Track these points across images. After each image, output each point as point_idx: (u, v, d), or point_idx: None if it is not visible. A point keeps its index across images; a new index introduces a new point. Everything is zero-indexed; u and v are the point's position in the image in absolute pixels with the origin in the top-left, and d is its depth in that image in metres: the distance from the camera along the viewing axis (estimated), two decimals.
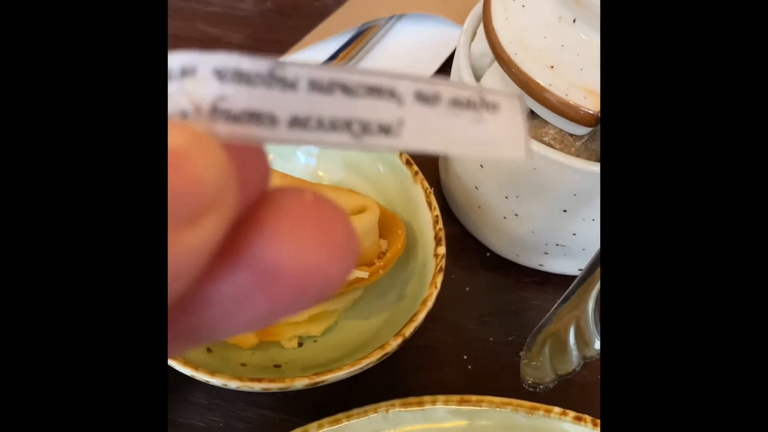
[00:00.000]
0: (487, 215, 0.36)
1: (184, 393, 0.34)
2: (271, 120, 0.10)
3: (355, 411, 0.30)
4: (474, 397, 0.31)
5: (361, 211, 0.33)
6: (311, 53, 0.48)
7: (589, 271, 0.29)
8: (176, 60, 0.10)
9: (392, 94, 0.11)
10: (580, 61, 0.28)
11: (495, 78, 0.32)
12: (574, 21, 0.28)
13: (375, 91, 0.11)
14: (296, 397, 0.34)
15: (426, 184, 0.35)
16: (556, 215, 0.33)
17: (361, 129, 0.11)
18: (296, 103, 0.10)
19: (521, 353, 0.32)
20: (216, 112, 0.10)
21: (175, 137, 0.09)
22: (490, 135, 0.12)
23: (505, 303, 0.38)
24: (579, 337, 0.30)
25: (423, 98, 0.11)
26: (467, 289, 0.38)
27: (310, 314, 0.33)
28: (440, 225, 0.33)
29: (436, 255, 0.32)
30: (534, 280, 0.39)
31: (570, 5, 0.28)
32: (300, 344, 0.34)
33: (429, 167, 0.39)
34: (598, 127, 0.29)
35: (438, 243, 0.33)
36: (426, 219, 0.34)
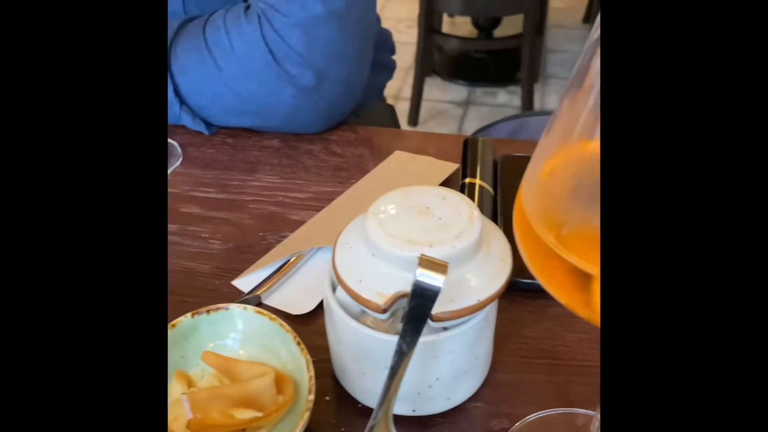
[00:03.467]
0: (352, 375, 0.56)
1: None
2: None
3: None
4: None
5: (262, 375, 0.53)
6: (255, 275, 0.71)
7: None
8: None
9: None
10: (375, 277, 0.50)
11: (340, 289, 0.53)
12: (373, 255, 0.51)
13: None
14: None
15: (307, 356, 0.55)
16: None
17: None
18: None
19: None
20: None
21: None
22: None
23: None
24: None
25: None
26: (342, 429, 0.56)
27: None
28: (312, 382, 0.52)
29: (308, 401, 0.51)
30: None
31: (371, 247, 0.51)
32: None
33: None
34: (397, 311, 0.50)
35: (309, 392, 0.52)
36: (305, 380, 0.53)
